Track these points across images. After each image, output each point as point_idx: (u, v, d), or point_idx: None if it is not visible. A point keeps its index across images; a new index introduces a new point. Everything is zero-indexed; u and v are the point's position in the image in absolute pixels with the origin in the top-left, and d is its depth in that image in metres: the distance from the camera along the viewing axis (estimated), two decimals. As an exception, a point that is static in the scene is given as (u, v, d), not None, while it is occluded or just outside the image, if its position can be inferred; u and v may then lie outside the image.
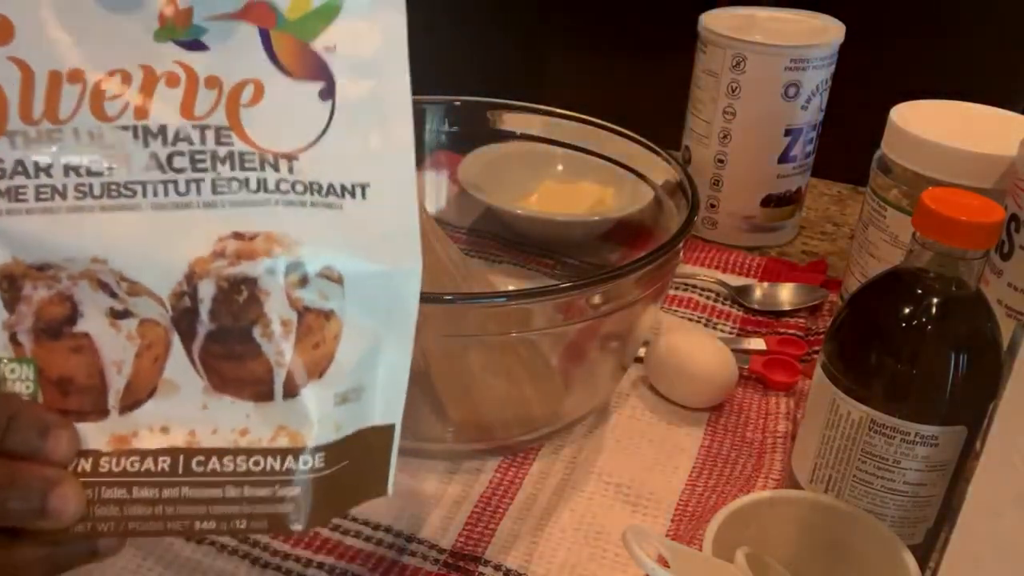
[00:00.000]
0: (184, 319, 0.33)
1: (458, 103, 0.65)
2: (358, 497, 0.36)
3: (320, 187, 0.34)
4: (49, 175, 0.33)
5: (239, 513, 0.34)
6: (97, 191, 0.33)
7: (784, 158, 0.72)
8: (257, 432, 0.34)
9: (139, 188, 0.33)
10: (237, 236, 0.33)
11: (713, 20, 0.71)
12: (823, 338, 0.44)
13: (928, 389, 0.40)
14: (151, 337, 0.33)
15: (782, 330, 0.63)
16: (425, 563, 0.45)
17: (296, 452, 0.34)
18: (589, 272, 0.65)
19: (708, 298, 0.67)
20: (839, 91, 0.73)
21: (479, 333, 0.49)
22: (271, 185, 0.33)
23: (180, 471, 0.33)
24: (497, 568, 0.45)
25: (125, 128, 0.33)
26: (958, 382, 0.40)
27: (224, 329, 0.33)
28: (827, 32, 0.71)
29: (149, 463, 0.34)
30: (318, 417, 0.34)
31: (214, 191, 0.33)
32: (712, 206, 0.75)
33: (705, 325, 0.64)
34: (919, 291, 0.40)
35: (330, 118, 0.34)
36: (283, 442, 0.34)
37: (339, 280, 0.33)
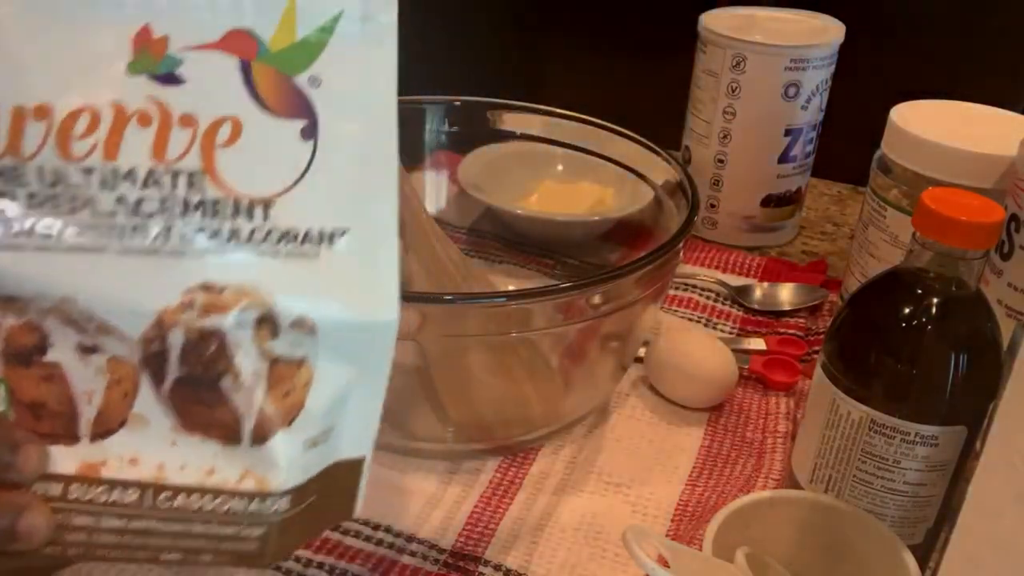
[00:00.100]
0: (153, 361, 0.32)
1: (458, 103, 0.65)
2: (324, 525, 0.36)
3: (296, 234, 0.32)
4: (13, 213, 0.31)
5: (205, 547, 0.34)
6: (64, 231, 0.32)
7: (784, 158, 0.72)
8: (224, 473, 0.33)
9: (105, 232, 0.32)
10: (206, 288, 0.32)
11: (713, 20, 0.71)
12: (823, 338, 0.44)
13: (928, 389, 0.40)
14: (120, 373, 0.33)
15: (782, 330, 0.63)
16: (425, 563, 0.45)
17: (262, 496, 0.33)
18: (589, 272, 0.65)
19: (708, 298, 0.67)
20: (839, 91, 0.73)
21: (479, 333, 0.49)
22: (244, 235, 0.32)
23: (147, 504, 0.33)
24: (497, 568, 0.45)
25: (90, 171, 0.32)
26: (958, 382, 0.40)
27: (193, 376, 0.32)
28: (827, 32, 0.71)
29: (117, 494, 0.33)
30: (286, 464, 0.33)
31: (183, 240, 0.32)
32: (712, 206, 0.75)
33: (705, 325, 0.64)
34: (919, 291, 0.40)
35: (311, 159, 0.33)
36: (250, 485, 0.33)
37: (312, 330, 0.32)
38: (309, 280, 0.32)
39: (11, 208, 0.31)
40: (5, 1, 0.32)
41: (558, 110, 0.63)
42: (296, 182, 0.33)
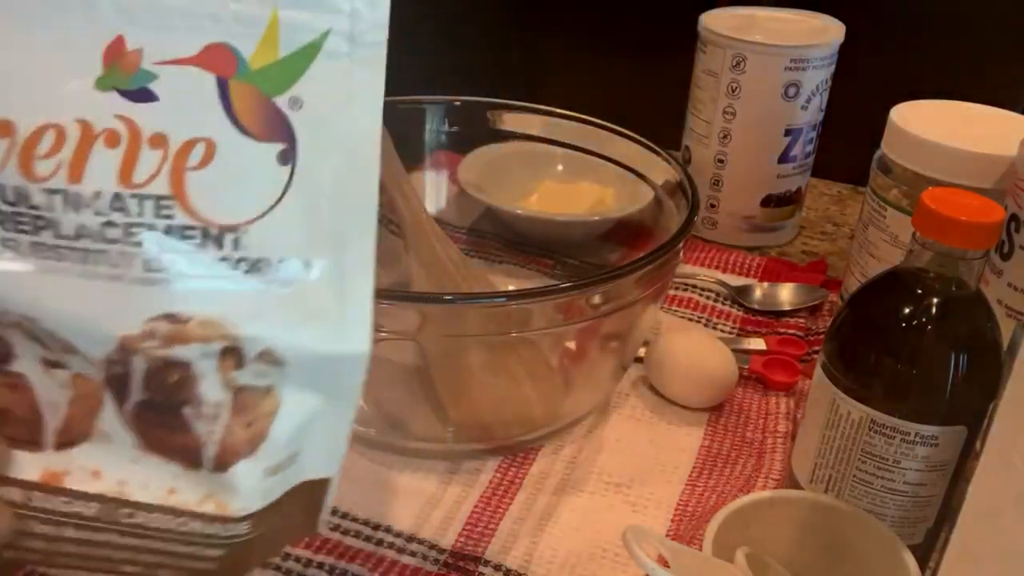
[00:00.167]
0: (116, 383, 0.31)
1: (458, 103, 0.65)
2: (285, 543, 0.35)
3: (267, 263, 0.31)
4: None
5: (164, 563, 0.33)
6: (25, 250, 0.30)
7: (784, 158, 0.72)
8: (185, 495, 0.32)
9: (67, 254, 0.30)
10: (170, 318, 0.30)
11: (713, 20, 0.71)
12: (823, 338, 0.44)
13: (928, 389, 0.40)
14: (84, 390, 0.32)
15: (782, 330, 0.63)
16: (425, 563, 0.45)
17: (222, 519, 0.32)
18: (589, 272, 0.65)
19: (708, 298, 0.67)
20: (839, 91, 0.73)
21: (479, 333, 0.49)
22: (212, 264, 0.30)
23: (108, 519, 0.33)
24: (497, 568, 0.45)
25: (54, 192, 0.30)
26: (958, 382, 0.40)
27: (155, 402, 0.31)
28: (827, 32, 0.71)
29: (79, 506, 0.33)
30: (247, 491, 0.32)
31: (148, 268, 0.30)
32: (712, 206, 0.75)
33: (705, 325, 0.64)
34: (919, 291, 0.40)
35: (287, 185, 0.31)
36: (210, 508, 0.32)
37: (279, 361, 0.31)
38: (278, 311, 0.31)
39: None
40: None
41: (558, 110, 0.63)
42: (270, 209, 0.31)
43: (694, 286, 0.68)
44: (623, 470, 0.51)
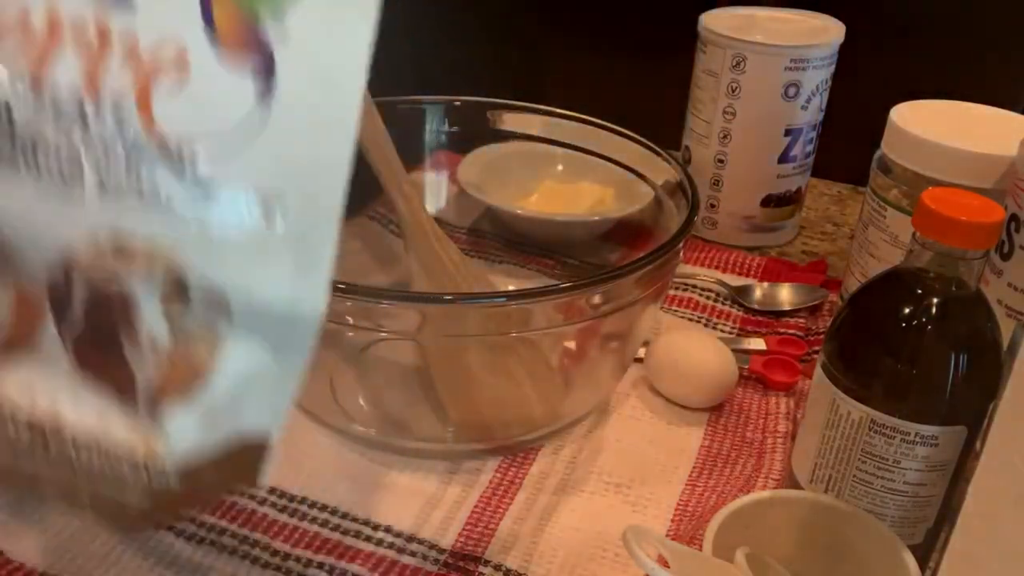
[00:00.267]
0: (57, 300, 0.30)
1: (458, 103, 0.65)
2: (218, 495, 0.34)
3: (228, 196, 0.29)
4: None
5: (88, 495, 0.32)
6: None
7: (784, 158, 0.72)
8: (116, 432, 0.31)
9: (20, 159, 0.29)
10: (117, 239, 0.29)
11: (713, 20, 0.71)
12: (823, 338, 0.44)
13: (928, 389, 0.40)
14: (29, 295, 0.30)
15: (782, 330, 0.63)
16: (425, 563, 0.45)
17: (149, 461, 0.31)
18: (589, 272, 0.65)
19: (708, 298, 0.67)
20: (839, 91, 0.73)
21: (479, 333, 0.49)
22: (169, 186, 0.29)
23: (38, 449, 0.31)
24: (497, 568, 0.45)
25: (13, 90, 0.29)
26: (958, 382, 0.40)
27: (93, 327, 0.30)
28: (827, 32, 0.71)
29: (10, 429, 0.32)
30: (179, 437, 0.31)
31: (101, 182, 0.29)
32: (712, 206, 0.75)
33: (705, 325, 0.64)
34: (919, 291, 0.40)
35: (260, 116, 0.29)
36: (139, 448, 0.31)
37: (226, 307, 0.30)
38: (232, 252, 0.29)
39: None
40: None
41: (558, 110, 0.63)
42: (238, 137, 0.29)
43: (694, 286, 0.68)
44: (623, 470, 0.51)
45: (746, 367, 0.58)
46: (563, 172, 0.67)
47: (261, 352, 0.30)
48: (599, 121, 0.62)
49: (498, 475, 0.51)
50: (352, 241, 0.66)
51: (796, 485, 0.46)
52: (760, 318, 0.65)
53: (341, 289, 0.43)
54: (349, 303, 0.45)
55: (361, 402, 0.55)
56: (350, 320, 0.47)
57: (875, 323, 0.42)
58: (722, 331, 0.64)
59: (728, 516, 0.40)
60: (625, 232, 0.63)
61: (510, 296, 0.48)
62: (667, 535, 0.47)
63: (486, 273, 0.64)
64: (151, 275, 0.29)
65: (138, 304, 0.30)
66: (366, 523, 0.47)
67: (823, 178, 0.84)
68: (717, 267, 0.71)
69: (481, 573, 0.45)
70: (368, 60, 0.29)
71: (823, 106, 0.72)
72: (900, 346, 0.41)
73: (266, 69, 0.29)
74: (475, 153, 0.67)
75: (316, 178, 0.29)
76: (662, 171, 0.58)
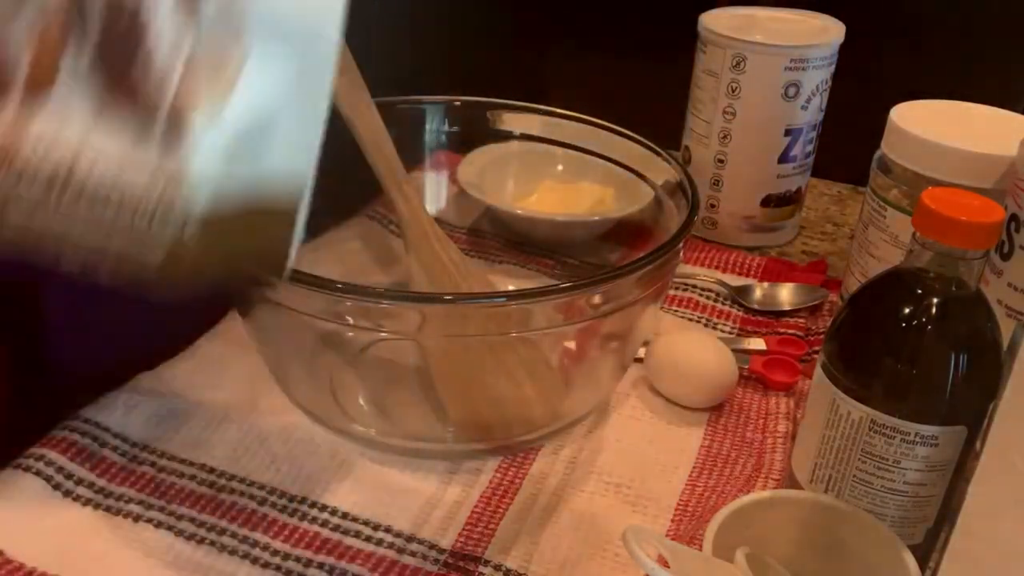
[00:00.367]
0: (75, 16, 0.29)
1: (458, 103, 0.65)
2: (243, 268, 0.32)
3: None
4: None
5: (110, 254, 0.31)
6: None
7: (784, 158, 0.72)
8: (135, 177, 0.30)
9: None
10: None
11: (713, 20, 0.71)
12: (823, 338, 0.44)
13: (928, 389, 0.40)
14: (47, 26, 0.29)
15: (782, 330, 0.63)
16: (425, 563, 0.45)
17: (170, 207, 0.30)
18: (589, 272, 0.65)
19: (708, 298, 0.67)
20: (839, 91, 0.73)
21: (479, 333, 0.49)
22: None
23: (56, 195, 0.31)
24: (497, 568, 0.45)
25: None
26: (958, 382, 0.40)
27: (111, 39, 0.29)
28: (827, 32, 0.71)
29: (27, 185, 0.31)
30: (200, 170, 0.30)
31: None
32: (712, 206, 0.75)
33: (705, 325, 0.64)
34: (919, 291, 0.40)
35: None
36: (159, 191, 0.30)
37: (245, 11, 0.29)
38: None
39: None
40: None
41: (558, 110, 0.63)
42: None
43: (694, 286, 0.68)
44: (623, 470, 0.51)
45: (746, 367, 0.58)
46: (563, 172, 0.67)
47: (283, 69, 0.29)
48: (599, 121, 0.62)
49: (498, 475, 0.51)
50: (352, 241, 0.66)
51: (796, 485, 0.46)
52: (760, 318, 0.65)
53: (341, 289, 0.43)
54: (349, 303, 0.45)
55: (361, 402, 0.55)
56: (350, 320, 0.47)
57: (875, 323, 0.42)
58: (722, 331, 0.64)
59: (728, 516, 0.40)
60: (625, 232, 0.63)
61: (510, 296, 0.48)
62: (667, 535, 0.47)
63: (486, 273, 0.64)
64: None
65: (155, 7, 0.29)
66: (366, 523, 0.47)
67: (823, 178, 0.84)
68: (717, 267, 0.71)
69: (481, 573, 0.45)
70: None
71: (823, 106, 0.72)
72: (900, 346, 0.41)
73: None
74: (475, 153, 0.67)
75: None
76: (662, 171, 0.58)
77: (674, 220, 0.54)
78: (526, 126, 0.65)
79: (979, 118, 0.59)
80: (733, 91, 0.70)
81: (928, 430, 0.40)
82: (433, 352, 0.52)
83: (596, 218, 0.66)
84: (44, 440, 0.48)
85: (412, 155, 0.64)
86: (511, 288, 0.63)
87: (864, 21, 0.73)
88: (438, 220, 0.58)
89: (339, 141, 0.54)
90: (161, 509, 0.46)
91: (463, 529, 0.47)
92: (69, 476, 0.47)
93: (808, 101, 0.70)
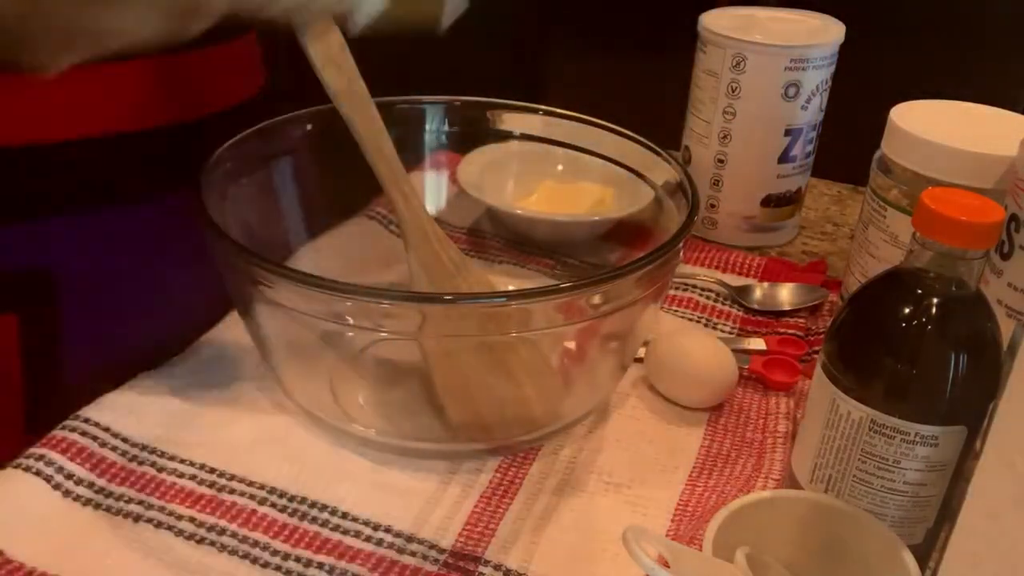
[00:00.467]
0: None
1: (458, 103, 0.65)
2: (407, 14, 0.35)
3: None
4: None
5: None
6: None
7: (784, 158, 0.72)
8: None
9: None
10: None
11: (713, 20, 0.71)
12: (823, 338, 0.44)
13: (928, 389, 0.40)
14: None
15: (782, 330, 0.63)
16: (425, 563, 0.45)
17: None
18: (589, 272, 0.65)
19: (708, 298, 0.67)
20: (839, 91, 0.73)
21: (479, 333, 0.49)
22: None
23: None
24: (497, 568, 0.45)
25: None
26: (958, 382, 0.40)
27: None
28: (827, 32, 0.71)
29: None
30: None
31: None
32: (712, 206, 0.75)
33: (705, 325, 0.64)
34: (919, 291, 0.40)
35: None
36: None
37: None
38: None
39: None
40: None
41: (558, 110, 0.63)
42: None
43: (694, 286, 0.68)
44: (623, 470, 0.51)
45: (746, 367, 0.58)
46: (563, 172, 0.67)
47: None
48: (599, 121, 0.62)
49: (498, 475, 0.51)
50: (352, 241, 0.66)
51: (796, 485, 0.46)
52: (760, 318, 0.65)
53: (341, 289, 0.43)
54: (349, 303, 0.45)
55: (361, 402, 0.55)
56: (350, 320, 0.47)
57: (875, 323, 0.42)
58: (722, 331, 0.64)
59: (728, 516, 0.40)
60: (625, 232, 0.63)
61: (510, 296, 0.48)
62: (667, 535, 0.47)
63: (486, 273, 0.64)
64: None
65: None
66: (366, 523, 0.47)
67: (823, 178, 0.84)
68: (717, 267, 0.71)
69: (481, 573, 0.45)
70: None
71: (823, 106, 0.72)
72: (900, 346, 0.41)
73: None
74: (475, 153, 0.67)
75: None
76: (662, 171, 0.58)
77: (674, 220, 0.54)
78: (526, 126, 0.65)
79: (979, 118, 0.59)
80: (733, 91, 0.70)
81: (928, 430, 0.40)
82: (433, 352, 0.52)
83: (596, 218, 0.66)
84: (44, 440, 0.48)
85: (412, 155, 0.64)
86: (511, 288, 0.63)
87: (864, 21, 0.73)
88: (438, 220, 0.58)
89: (339, 141, 0.54)
90: (161, 509, 0.46)
91: (463, 529, 0.47)
92: (69, 476, 0.47)
93: (808, 101, 0.70)
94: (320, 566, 0.44)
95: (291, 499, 0.48)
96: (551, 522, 0.48)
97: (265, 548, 0.45)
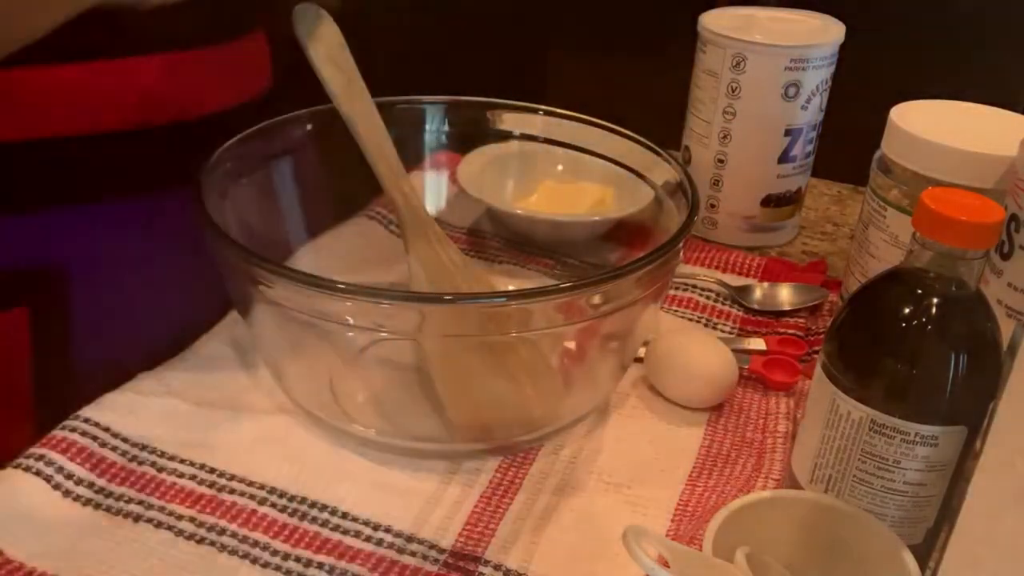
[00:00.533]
0: None
1: (458, 103, 0.65)
2: None
3: None
4: None
5: None
6: None
7: (784, 158, 0.72)
8: None
9: None
10: None
11: (713, 20, 0.71)
12: (823, 338, 0.44)
13: (928, 389, 0.40)
14: None
15: (782, 330, 0.63)
16: (425, 563, 0.45)
17: None
18: (589, 272, 0.65)
19: (708, 298, 0.67)
20: (839, 91, 0.73)
21: (479, 333, 0.49)
22: None
23: None
24: (497, 568, 0.45)
25: None
26: (958, 382, 0.40)
27: None
28: (827, 32, 0.71)
29: None
30: None
31: None
32: (712, 206, 0.75)
33: (705, 325, 0.64)
34: (919, 291, 0.40)
35: None
36: None
37: None
38: None
39: None
40: None
41: (558, 110, 0.63)
42: None
43: (694, 286, 0.68)
44: (623, 470, 0.51)
45: (746, 367, 0.58)
46: (563, 172, 0.67)
47: None
48: (599, 121, 0.62)
49: (498, 475, 0.51)
50: (352, 241, 0.66)
51: (796, 485, 0.46)
52: (760, 318, 0.65)
53: (341, 289, 0.43)
54: (349, 303, 0.45)
55: (361, 402, 0.55)
56: (350, 320, 0.47)
57: (875, 323, 0.42)
58: (722, 331, 0.64)
59: (728, 516, 0.40)
60: (625, 232, 0.63)
61: (510, 296, 0.48)
62: (667, 535, 0.47)
63: (486, 273, 0.64)
64: None
65: None
66: (366, 523, 0.47)
67: (823, 178, 0.84)
68: (717, 267, 0.71)
69: (481, 573, 0.45)
70: None
71: (823, 106, 0.72)
72: (900, 346, 0.41)
73: None
74: (475, 153, 0.67)
75: None
76: (662, 171, 0.58)
77: (674, 220, 0.54)
78: (526, 126, 0.65)
79: (979, 118, 0.59)
80: (733, 91, 0.70)
81: (928, 430, 0.40)
82: (433, 352, 0.52)
83: (596, 218, 0.66)
84: (44, 440, 0.48)
85: (412, 155, 0.64)
86: (511, 288, 0.63)
87: (864, 21, 0.73)
88: (438, 220, 0.58)
89: (339, 141, 0.54)
90: (161, 509, 0.46)
91: (463, 529, 0.47)
92: (69, 476, 0.47)
93: (808, 101, 0.70)
94: (320, 566, 0.44)
95: (291, 499, 0.48)
96: (551, 522, 0.48)
97: (265, 548, 0.45)
